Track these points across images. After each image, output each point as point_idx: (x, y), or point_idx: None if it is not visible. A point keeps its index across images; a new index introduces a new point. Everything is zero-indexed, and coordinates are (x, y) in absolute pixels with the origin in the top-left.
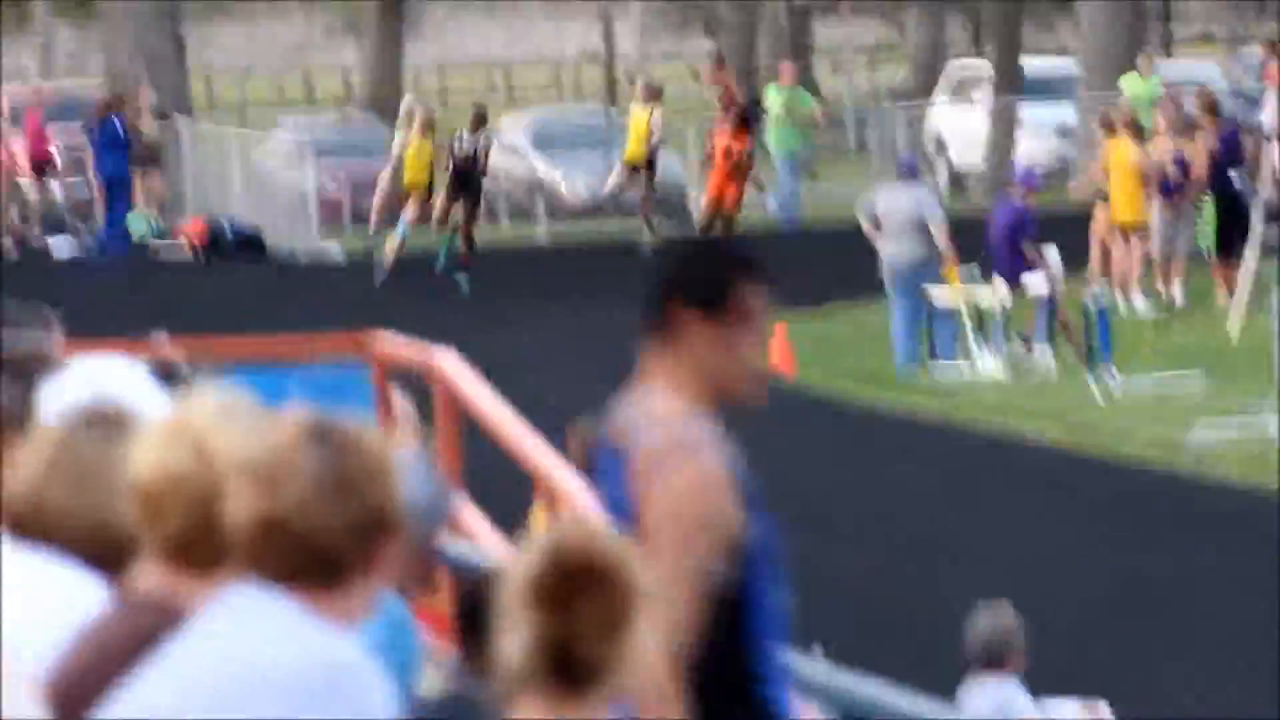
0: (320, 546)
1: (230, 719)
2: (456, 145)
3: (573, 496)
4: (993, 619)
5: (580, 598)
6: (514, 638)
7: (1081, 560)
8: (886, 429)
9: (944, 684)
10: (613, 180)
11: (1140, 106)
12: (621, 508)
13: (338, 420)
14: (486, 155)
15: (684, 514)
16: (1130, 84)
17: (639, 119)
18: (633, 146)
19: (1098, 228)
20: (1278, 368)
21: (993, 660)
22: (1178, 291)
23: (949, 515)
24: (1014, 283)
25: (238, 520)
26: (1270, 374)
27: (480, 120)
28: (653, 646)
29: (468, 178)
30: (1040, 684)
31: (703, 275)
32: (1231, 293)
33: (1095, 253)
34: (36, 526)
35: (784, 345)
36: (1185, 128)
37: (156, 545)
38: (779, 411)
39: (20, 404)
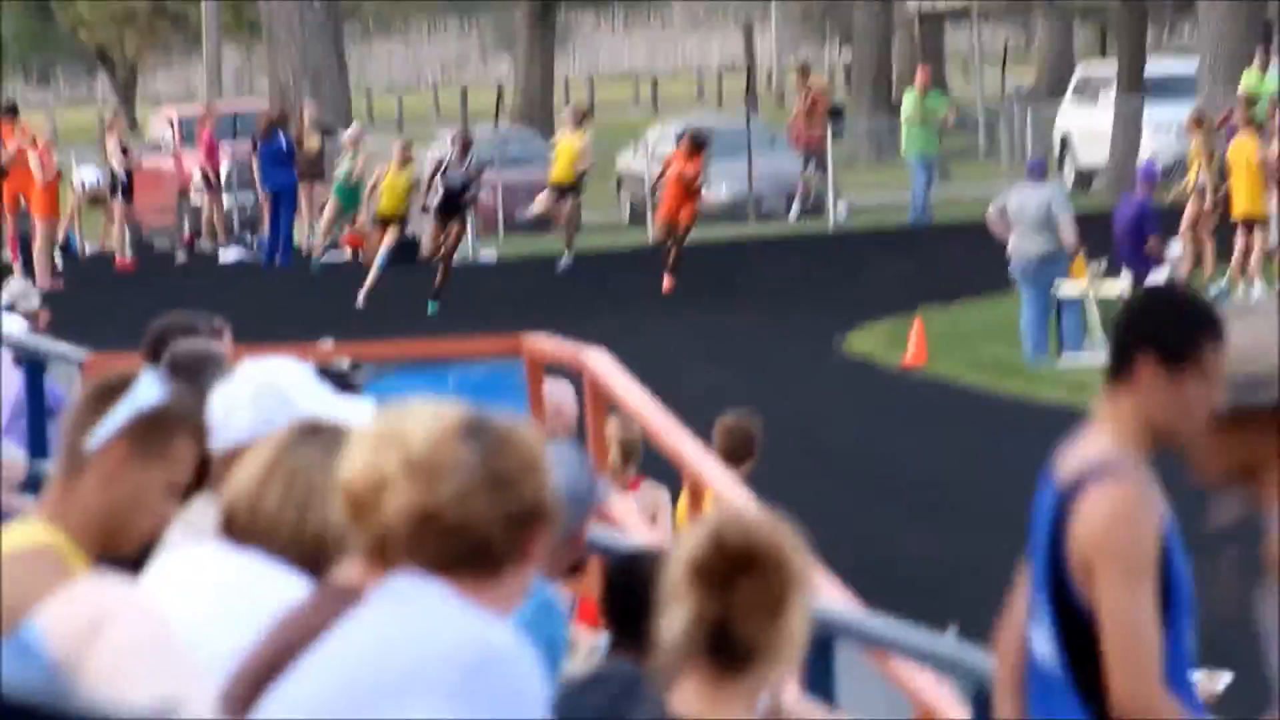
0: (474, 537)
1: (387, 700)
2: (443, 175)
3: (716, 485)
4: None
5: (741, 580)
6: (675, 616)
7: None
8: (1015, 417)
9: None
10: (539, 203)
11: (1257, 101)
12: (1042, 535)
13: (492, 417)
14: (477, 182)
15: (1115, 536)
16: (1247, 79)
17: (568, 142)
18: (560, 169)
19: (1188, 221)
20: None
21: None
22: None
23: None
24: (1139, 275)
25: (398, 512)
26: None
27: (467, 147)
28: (806, 631)
29: (456, 207)
30: None
31: (1170, 327)
32: None
33: (1188, 246)
34: (251, 531)
35: (920, 337)
36: None
37: (365, 547)
38: (914, 400)
39: (192, 404)
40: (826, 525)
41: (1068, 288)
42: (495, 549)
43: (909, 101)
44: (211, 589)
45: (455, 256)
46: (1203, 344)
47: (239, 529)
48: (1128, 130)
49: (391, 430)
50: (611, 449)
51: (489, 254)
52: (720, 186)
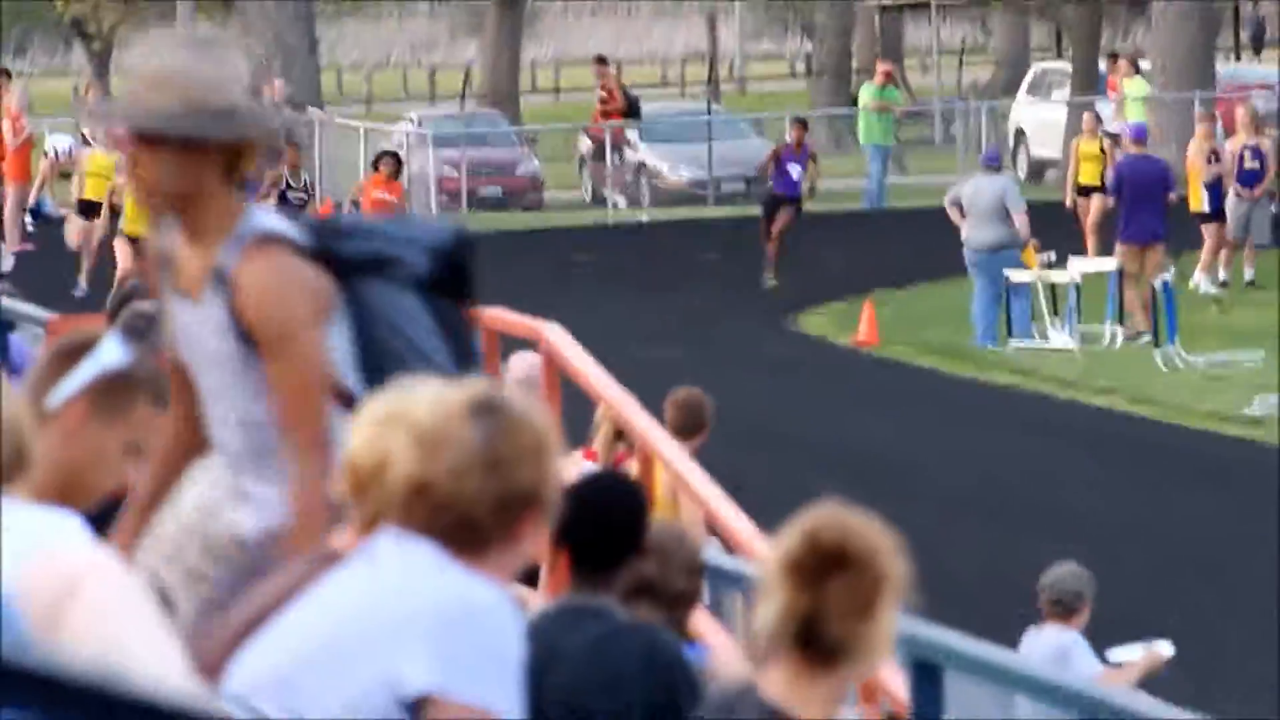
0: (464, 514)
1: (368, 652)
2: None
3: (666, 458)
4: (1060, 573)
5: (832, 579)
6: (767, 610)
7: (1153, 522)
8: (963, 399)
9: (1015, 638)
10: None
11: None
12: None
13: (505, 397)
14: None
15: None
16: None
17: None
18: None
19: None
20: None
21: (1058, 612)
22: (1248, 274)
23: (1020, 478)
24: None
25: (396, 478)
26: None
27: (296, 165)
28: (894, 632)
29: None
30: (1111, 637)
31: None
32: None
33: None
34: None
35: (871, 320)
36: (1257, 124)
37: (362, 521)
38: (864, 379)
39: (154, 367)
40: (774, 500)
41: (1017, 275)
42: (483, 528)
43: (867, 93)
44: None
45: None
46: None
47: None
48: (1078, 125)
49: (398, 410)
50: (604, 424)
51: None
52: (680, 170)
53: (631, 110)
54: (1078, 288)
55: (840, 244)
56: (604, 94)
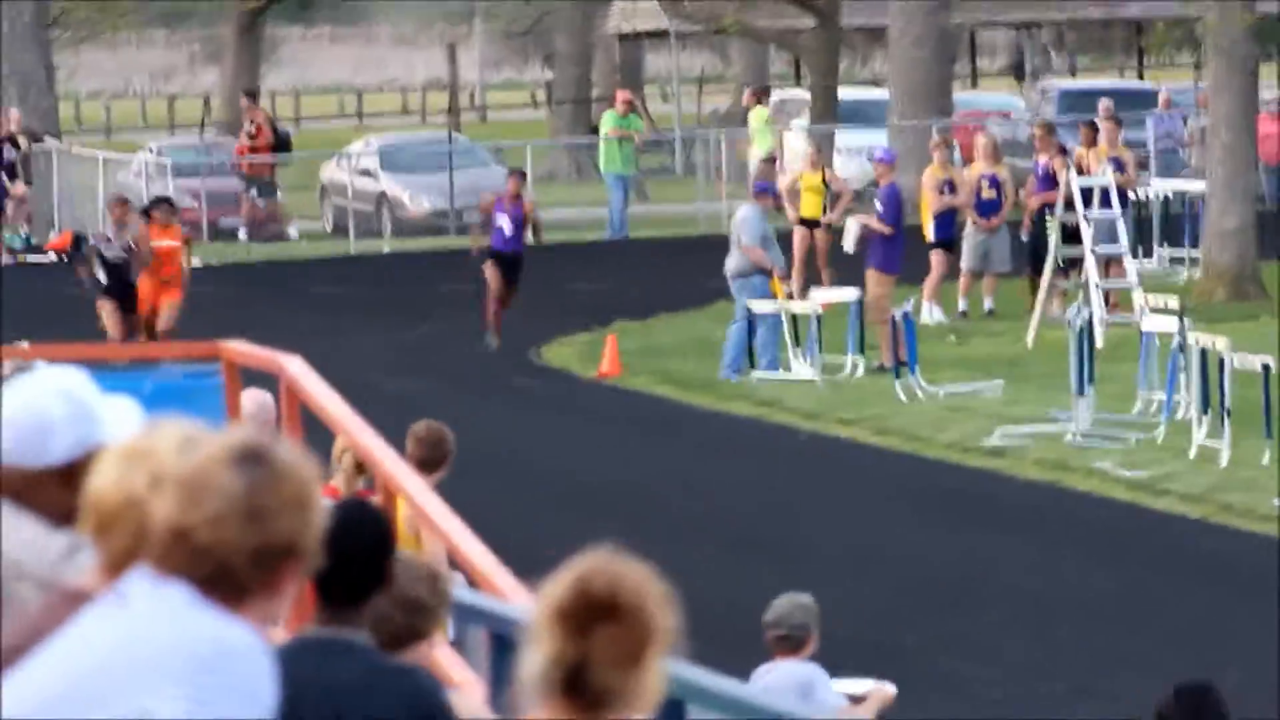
0: (224, 562)
1: (120, 693)
2: (101, 250)
3: (407, 492)
4: (786, 607)
5: (601, 628)
6: (535, 656)
7: (891, 550)
8: (705, 429)
9: (751, 671)
10: None
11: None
12: None
13: (272, 446)
14: (137, 256)
15: None
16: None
17: None
18: None
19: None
20: (1073, 378)
21: (786, 646)
22: (987, 304)
23: (762, 510)
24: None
25: (156, 523)
26: (1067, 382)
27: (123, 212)
28: (662, 682)
29: (127, 287)
30: (848, 667)
31: None
32: (1034, 307)
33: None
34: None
35: (614, 352)
36: (996, 153)
37: (106, 559)
38: (607, 411)
39: None
40: (514, 531)
41: (759, 305)
42: (241, 577)
43: (608, 121)
44: None
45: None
46: None
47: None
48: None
49: (145, 448)
50: (345, 458)
51: (194, 260)
52: (422, 200)
53: (281, 145)
54: (819, 318)
55: (583, 275)
56: (253, 129)
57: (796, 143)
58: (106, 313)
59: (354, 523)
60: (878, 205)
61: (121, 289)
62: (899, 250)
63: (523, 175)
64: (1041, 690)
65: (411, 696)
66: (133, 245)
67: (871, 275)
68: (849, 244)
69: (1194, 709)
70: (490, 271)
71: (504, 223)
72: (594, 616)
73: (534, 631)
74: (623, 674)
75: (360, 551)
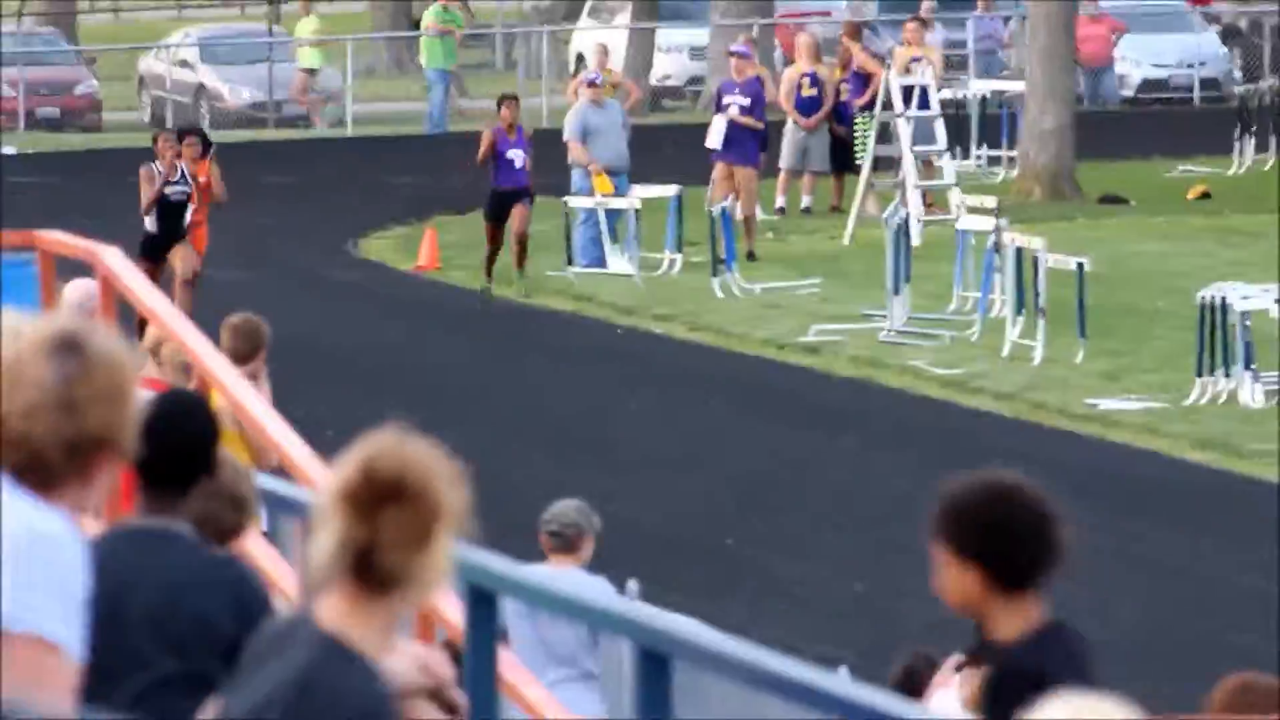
0: (37, 453)
1: None
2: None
3: (223, 382)
4: (563, 505)
5: (387, 509)
6: (323, 539)
7: (707, 446)
8: (524, 324)
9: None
10: None
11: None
12: None
13: (88, 337)
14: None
15: None
16: None
17: None
18: None
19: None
20: (889, 276)
21: (560, 544)
22: (805, 201)
23: (577, 405)
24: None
25: None
26: (883, 281)
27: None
28: (450, 563)
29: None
30: (659, 563)
31: None
32: (852, 205)
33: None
34: None
35: (432, 245)
36: (817, 52)
37: None
38: (424, 304)
39: None
40: (331, 425)
41: (576, 201)
42: (54, 467)
43: (429, 15)
44: None
45: None
46: None
47: None
48: (640, 50)
49: None
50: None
51: (9, 148)
52: (241, 92)
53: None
54: (638, 214)
55: (402, 169)
56: None
57: (612, 40)
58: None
59: (179, 412)
60: (742, 100)
61: (167, 242)
62: (763, 145)
63: (515, 99)
64: (858, 588)
65: (238, 588)
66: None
67: (740, 171)
68: (715, 141)
69: None
70: (517, 211)
71: (515, 155)
72: (381, 498)
73: (322, 514)
74: (410, 555)
75: (185, 440)
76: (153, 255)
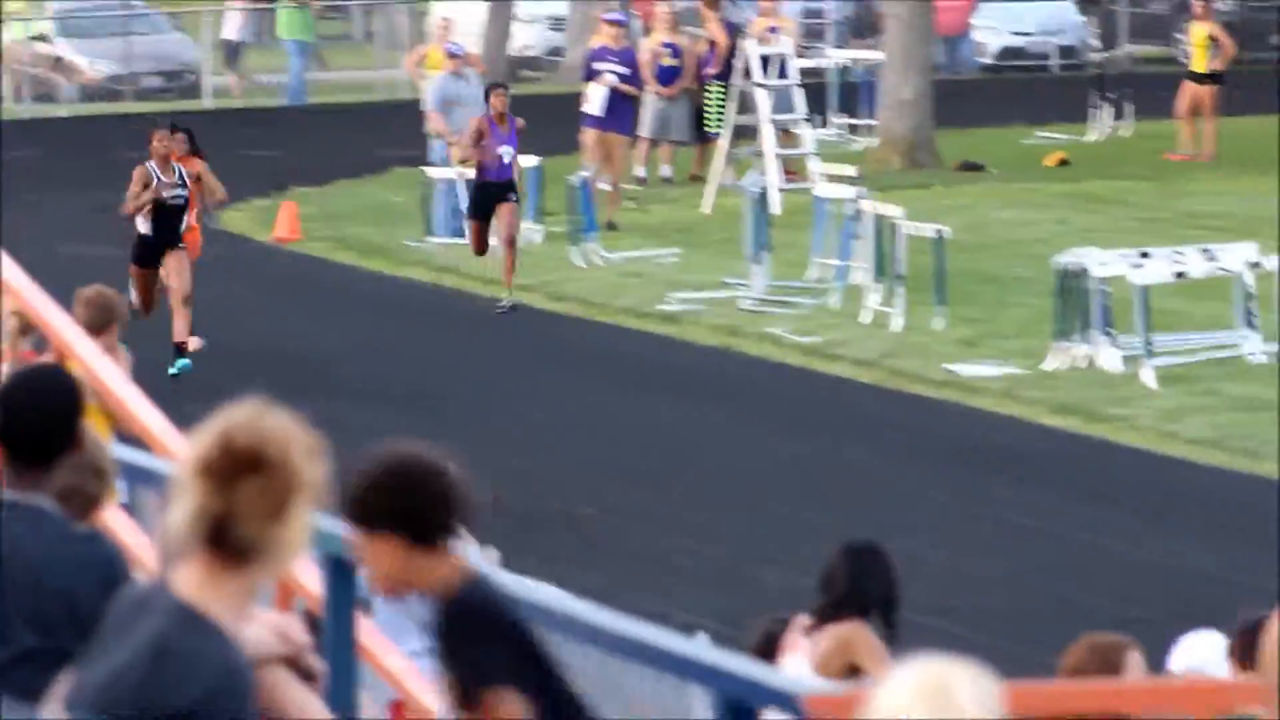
0: None
1: None
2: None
3: (79, 355)
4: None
5: (244, 480)
6: (180, 509)
7: (567, 416)
8: (384, 295)
9: None
10: None
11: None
12: None
13: None
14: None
15: None
16: None
17: None
18: None
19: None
20: (749, 245)
21: None
22: (665, 171)
23: (438, 376)
24: None
25: None
26: (740, 250)
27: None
28: (307, 535)
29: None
30: (530, 538)
31: None
32: (708, 174)
33: (590, 135)
34: None
35: (292, 217)
36: (675, 22)
37: None
38: (283, 276)
39: None
40: (191, 398)
41: (435, 171)
42: None
43: None
44: None
45: None
46: None
47: None
48: (498, 20)
49: None
50: (10, 321)
51: None
52: (100, 65)
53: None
54: None
55: (260, 141)
56: None
57: (471, 11)
58: (138, 281)
59: (43, 387)
60: (621, 68)
61: (162, 247)
62: (634, 112)
63: (505, 86)
64: (724, 557)
65: (104, 567)
66: (192, 184)
67: (615, 139)
68: (596, 108)
69: (861, 567)
70: (503, 210)
71: (504, 150)
72: (237, 469)
73: (179, 485)
74: (267, 526)
75: (50, 415)
76: (147, 261)
